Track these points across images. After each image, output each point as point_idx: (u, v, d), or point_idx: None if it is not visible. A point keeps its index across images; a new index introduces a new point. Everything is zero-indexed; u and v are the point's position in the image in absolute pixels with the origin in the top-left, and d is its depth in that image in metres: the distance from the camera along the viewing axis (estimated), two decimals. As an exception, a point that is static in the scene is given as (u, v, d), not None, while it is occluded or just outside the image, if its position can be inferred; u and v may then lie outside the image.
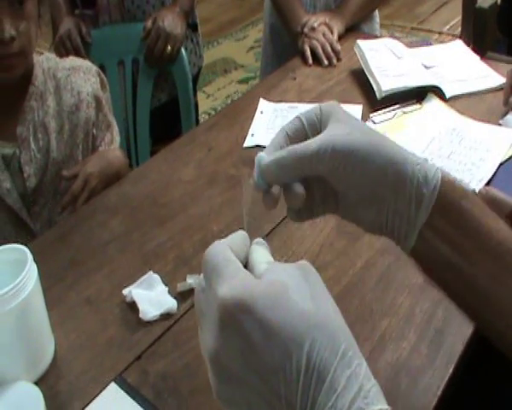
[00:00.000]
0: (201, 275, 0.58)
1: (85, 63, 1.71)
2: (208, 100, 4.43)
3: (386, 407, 0.48)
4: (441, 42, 2.25)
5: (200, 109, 2.66)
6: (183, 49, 2.25)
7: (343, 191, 0.72)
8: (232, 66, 4.98)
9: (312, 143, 0.68)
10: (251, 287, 0.52)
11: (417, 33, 5.03)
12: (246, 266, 0.59)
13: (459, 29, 4.60)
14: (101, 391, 0.96)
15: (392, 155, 0.68)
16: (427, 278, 0.75)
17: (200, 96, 2.64)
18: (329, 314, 0.52)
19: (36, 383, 0.95)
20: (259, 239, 0.63)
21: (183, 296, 1.13)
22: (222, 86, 4.68)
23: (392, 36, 2.15)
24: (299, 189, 0.70)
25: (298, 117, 0.74)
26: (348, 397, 0.47)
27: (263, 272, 0.56)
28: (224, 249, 0.57)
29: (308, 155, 0.67)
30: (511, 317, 0.68)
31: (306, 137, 0.71)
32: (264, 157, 0.69)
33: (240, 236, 0.61)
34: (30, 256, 0.97)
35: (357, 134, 0.68)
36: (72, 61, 1.71)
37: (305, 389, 0.49)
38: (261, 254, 0.60)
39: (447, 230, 0.69)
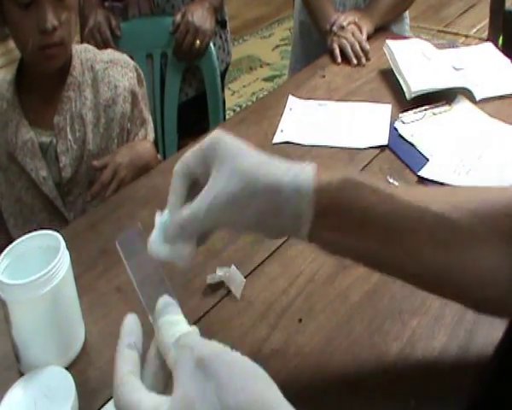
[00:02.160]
0: None
1: (123, 57, 1.72)
2: (233, 97, 4.44)
3: None
4: (467, 45, 2.23)
5: (226, 106, 2.67)
6: (211, 45, 2.25)
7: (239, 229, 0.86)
8: (258, 63, 4.98)
9: (198, 214, 0.77)
10: None
11: (443, 36, 5.00)
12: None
13: (486, 32, 4.58)
14: (131, 379, 0.97)
15: (267, 187, 0.74)
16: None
17: (226, 92, 2.65)
18: (237, 403, 0.54)
19: (67, 369, 0.96)
20: (162, 301, 0.71)
21: (212, 288, 1.13)
22: (247, 83, 4.68)
23: (419, 38, 2.14)
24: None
25: (182, 163, 0.83)
26: None
27: (174, 367, 0.60)
28: (129, 391, 0.60)
29: (198, 225, 0.79)
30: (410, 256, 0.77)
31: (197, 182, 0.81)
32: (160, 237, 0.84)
33: (129, 355, 0.64)
34: (63, 243, 0.97)
35: (233, 181, 0.75)
36: (110, 53, 1.72)
37: None
38: (169, 330, 0.66)
39: (331, 223, 0.76)
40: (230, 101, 4.27)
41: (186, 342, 0.62)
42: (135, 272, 0.76)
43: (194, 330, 0.68)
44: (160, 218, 0.85)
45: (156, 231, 0.83)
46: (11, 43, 1.56)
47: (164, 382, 0.63)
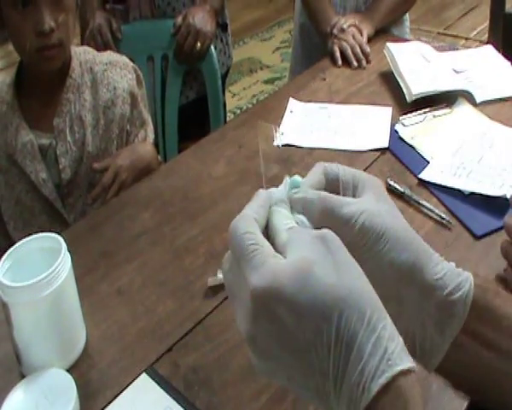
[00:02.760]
0: (228, 253, 0.60)
1: (122, 59, 1.72)
2: (234, 99, 4.44)
3: (409, 364, 0.50)
4: (468, 47, 2.24)
5: (226, 109, 2.67)
6: (212, 47, 2.25)
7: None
8: (258, 66, 4.98)
9: (345, 207, 0.64)
10: (279, 274, 0.53)
11: (444, 38, 5.00)
12: (267, 227, 0.61)
13: (486, 35, 4.58)
14: (132, 381, 0.97)
15: (420, 254, 0.63)
16: (459, 391, 0.68)
17: (226, 94, 2.65)
18: (353, 283, 0.53)
19: (68, 371, 0.96)
20: (277, 196, 0.63)
21: (214, 291, 1.13)
22: (247, 86, 4.68)
23: (420, 40, 2.14)
24: None
25: (337, 166, 0.70)
26: (373, 363, 0.49)
27: (285, 245, 0.57)
28: (249, 228, 0.58)
29: (336, 215, 0.64)
30: None
31: (336, 190, 0.68)
32: (295, 191, 0.66)
33: (260, 200, 0.62)
34: (64, 245, 0.98)
35: (390, 220, 0.64)
36: (109, 55, 1.72)
37: (335, 360, 0.51)
38: (281, 218, 0.61)
39: (486, 333, 0.63)
40: (231, 103, 4.27)
41: (301, 229, 0.60)
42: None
43: None
44: (291, 178, 0.69)
45: (281, 187, 0.67)
46: (10, 46, 1.57)
47: None
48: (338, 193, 0.68)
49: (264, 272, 0.54)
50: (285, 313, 0.52)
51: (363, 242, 0.63)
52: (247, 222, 0.59)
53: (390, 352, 0.50)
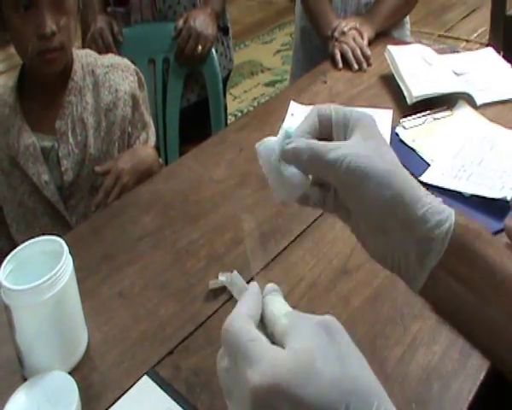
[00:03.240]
0: (221, 350, 0.58)
1: (124, 61, 1.73)
2: (235, 102, 4.44)
3: None
4: (468, 50, 2.24)
5: (227, 112, 2.68)
6: (213, 50, 2.25)
7: (352, 211, 0.72)
8: (259, 68, 4.99)
9: (331, 152, 0.68)
10: (280, 369, 0.51)
11: (444, 41, 5.00)
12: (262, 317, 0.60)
13: (487, 37, 4.58)
14: (133, 384, 0.97)
15: (404, 190, 0.66)
16: (438, 317, 0.73)
17: (227, 97, 2.65)
18: (358, 375, 0.52)
19: (70, 374, 0.96)
20: (270, 286, 0.63)
21: (215, 294, 1.14)
22: (248, 89, 4.68)
23: (420, 43, 2.15)
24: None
25: (330, 109, 0.73)
26: None
27: (285, 333, 0.56)
28: (244, 324, 0.56)
29: (323, 161, 0.68)
30: None
31: (330, 132, 0.73)
32: (287, 141, 0.70)
33: (253, 295, 0.61)
34: (66, 248, 0.98)
35: (375, 158, 0.67)
36: (111, 58, 1.73)
37: None
38: (277, 305, 0.60)
39: (461, 270, 0.67)
40: (232, 106, 4.27)
41: (300, 314, 0.59)
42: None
43: None
44: (286, 127, 0.73)
45: (278, 137, 0.72)
46: (12, 49, 1.58)
47: None
48: (331, 135, 0.73)
49: (263, 368, 0.52)
50: (289, 409, 0.50)
51: (348, 183, 0.67)
52: (241, 319, 0.57)
53: None
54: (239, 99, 4.52)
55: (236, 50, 5.05)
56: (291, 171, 0.71)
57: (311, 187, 0.75)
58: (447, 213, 0.66)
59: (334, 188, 0.74)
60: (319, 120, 0.73)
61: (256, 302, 0.60)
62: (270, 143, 0.73)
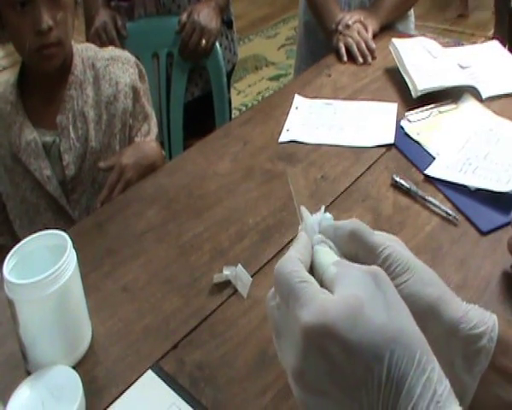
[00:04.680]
0: (272, 290, 0.61)
1: (124, 54, 1.73)
2: (239, 96, 4.44)
3: (458, 408, 0.51)
4: (473, 43, 2.23)
5: (232, 106, 2.67)
6: (217, 44, 2.25)
7: None
8: (263, 63, 4.99)
9: (374, 236, 0.65)
10: (330, 311, 0.53)
11: (449, 35, 4.99)
12: (311, 266, 0.61)
13: (492, 31, 4.58)
14: (137, 378, 0.97)
15: (445, 290, 0.64)
16: None
17: (231, 91, 2.65)
18: (404, 323, 0.53)
19: (73, 368, 0.96)
20: (319, 237, 0.64)
21: (219, 288, 1.13)
22: (253, 83, 4.68)
23: (425, 36, 2.14)
24: None
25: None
26: (423, 404, 0.50)
27: (334, 280, 0.57)
28: (295, 267, 0.58)
29: (365, 240, 0.65)
30: None
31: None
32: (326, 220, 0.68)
33: (303, 242, 0.63)
34: (69, 242, 0.98)
35: (415, 259, 0.65)
36: (111, 51, 1.73)
37: (385, 399, 0.51)
38: (325, 256, 0.62)
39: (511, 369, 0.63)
40: (236, 100, 4.26)
41: (348, 263, 0.60)
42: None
43: None
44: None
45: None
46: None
47: None
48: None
49: (314, 308, 0.54)
50: (336, 349, 0.52)
51: (388, 271, 0.62)
52: (292, 262, 0.59)
53: (439, 394, 0.50)
54: (243, 93, 4.51)
55: (241, 45, 5.05)
56: (327, 242, 0.66)
57: None
58: (489, 313, 0.65)
59: None
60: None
61: (306, 248, 0.62)
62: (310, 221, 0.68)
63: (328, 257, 0.61)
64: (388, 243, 0.65)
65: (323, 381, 0.53)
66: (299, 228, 0.67)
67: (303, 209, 0.70)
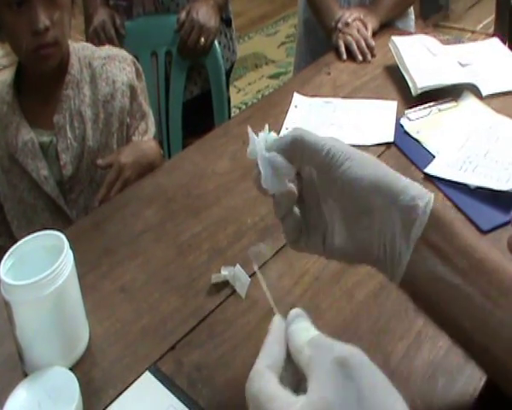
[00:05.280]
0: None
1: (121, 52, 1.72)
2: (239, 94, 4.44)
3: None
4: (474, 40, 2.22)
5: (231, 104, 2.67)
6: (216, 42, 2.25)
7: (332, 199, 0.77)
8: (263, 61, 4.98)
9: (314, 135, 0.76)
10: None
11: (450, 32, 4.98)
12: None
13: (492, 28, 4.56)
14: (135, 379, 0.96)
15: (386, 171, 0.72)
16: (417, 307, 0.75)
17: (231, 90, 2.65)
18: None
19: (71, 369, 0.95)
20: (294, 312, 0.65)
21: (217, 288, 1.13)
22: (253, 81, 4.68)
23: (425, 33, 2.13)
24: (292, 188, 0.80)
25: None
26: None
27: (308, 370, 0.57)
28: (263, 383, 0.58)
29: (306, 141, 0.74)
30: (507, 341, 0.68)
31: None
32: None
33: (274, 336, 0.63)
34: (66, 243, 0.97)
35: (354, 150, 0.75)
36: (108, 49, 1.72)
37: None
38: (300, 335, 0.61)
39: (442, 246, 0.70)
40: (236, 98, 4.26)
41: (322, 342, 0.60)
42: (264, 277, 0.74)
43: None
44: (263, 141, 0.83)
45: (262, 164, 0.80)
46: (10, 46, 1.58)
47: (295, 385, 0.61)
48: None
49: None
50: None
51: (332, 162, 0.73)
52: (260, 376, 0.58)
53: None
54: (243, 91, 4.51)
55: (240, 43, 5.04)
56: (271, 155, 0.78)
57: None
58: (426, 190, 0.72)
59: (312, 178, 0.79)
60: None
61: (277, 342, 0.62)
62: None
63: (303, 335, 0.61)
64: (328, 139, 0.74)
65: None
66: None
67: (249, 131, 0.82)
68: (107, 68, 1.65)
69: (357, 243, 0.75)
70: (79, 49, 1.65)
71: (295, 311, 0.65)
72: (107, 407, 0.93)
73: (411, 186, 0.71)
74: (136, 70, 1.73)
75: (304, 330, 0.62)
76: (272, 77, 4.72)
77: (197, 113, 2.35)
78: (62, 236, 0.98)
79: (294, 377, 0.61)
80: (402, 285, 0.73)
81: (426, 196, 0.70)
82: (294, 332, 0.62)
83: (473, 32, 5.05)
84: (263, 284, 0.72)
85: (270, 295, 0.71)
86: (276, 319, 0.65)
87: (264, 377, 0.58)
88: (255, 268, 0.76)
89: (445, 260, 0.69)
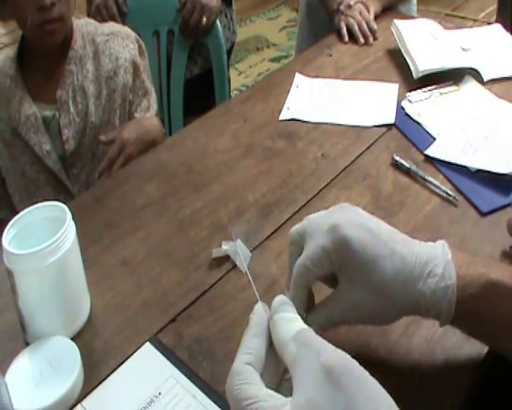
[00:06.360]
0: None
1: (124, 29, 1.72)
2: (240, 77, 4.43)
3: None
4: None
5: (232, 86, 2.67)
6: (218, 22, 2.24)
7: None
8: (264, 44, 4.97)
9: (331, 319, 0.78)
10: None
11: (452, 20, 4.96)
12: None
13: (494, 17, 4.55)
14: (135, 350, 0.97)
15: (405, 304, 0.76)
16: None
17: (232, 72, 2.65)
18: None
19: (72, 340, 0.96)
20: (278, 300, 0.64)
21: (218, 262, 1.13)
22: (254, 64, 4.67)
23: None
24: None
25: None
26: None
27: (293, 367, 0.56)
28: (243, 384, 0.56)
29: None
30: None
31: None
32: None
33: (255, 329, 0.63)
34: (69, 213, 0.97)
35: (369, 299, 0.75)
36: (111, 26, 1.72)
37: None
38: (284, 327, 0.60)
39: (470, 328, 0.80)
40: (237, 81, 4.25)
41: (308, 341, 0.58)
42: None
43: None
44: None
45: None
46: (15, 23, 1.58)
47: (278, 378, 0.61)
48: None
49: None
50: None
51: (369, 268, 0.74)
52: (240, 375, 0.58)
53: None
54: (244, 74, 4.50)
55: (242, 26, 5.03)
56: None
57: None
58: (450, 282, 0.75)
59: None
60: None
61: (257, 336, 0.62)
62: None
63: (287, 328, 0.60)
64: (365, 235, 0.75)
65: None
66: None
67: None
68: (110, 45, 1.65)
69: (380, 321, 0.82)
70: (83, 25, 1.65)
71: (280, 298, 0.64)
72: (107, 376, 0.93)
73: (430, 294, 0.74)
74: (139, 47, 1.73)
75: (289, 321, 0.61)
76: (273, 60, 4.71)
77: (197, 92, 2.35)
78: (65, 207, 0.99)
79: (277, 370, 0.60)
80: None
81: (449, 299, 0.74)
82: (279, 323, 0.61)
83: (475, 20, 5.03)
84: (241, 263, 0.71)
85: (252, 281, 0.70)
86: (259, 308, 0.64)
87: (246, 376, 0.57)
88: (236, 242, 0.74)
89: (476, 334, 0.81)
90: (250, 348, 0.61)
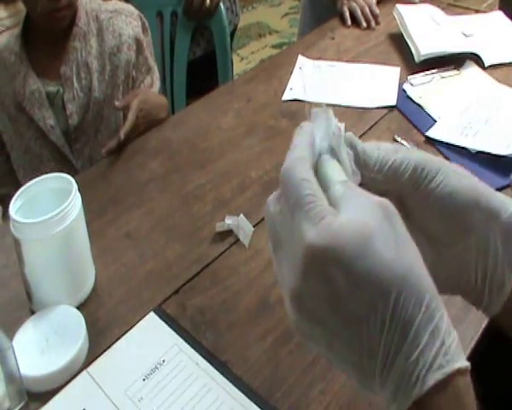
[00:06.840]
0: (275, 194, 0.54)
1: (128, 7, 1.73)
2: (242, 63, 4.44)
3: (466, 363, 0.47)
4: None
5: (234, 72, 2.67)
6: (221, 4, 2.24)
7: (418, 229, 0.61)
8: (266, 30, 4.98)
9: (396, 153, 0.61)
10: (339, 235, 0.47)
11: (454, 9, 4.95)
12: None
13: (496, 7, 4.54)
14: (140, 320, 0.98)
15: (477, 181, 0.59)
16: None
17: (234, 58, 2.64)
18: (414, 263, 0.48)
19: (77, 309, 0.98)
20: (327, 145, 0.56)
21: (221, 236, 1.15)
22: (256, 50, 4.68)
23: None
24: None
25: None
26: (430, 354, 0.46)
27: (340, 201, 0.51)
28: (307, 175, 0.51)
29: (387, 162, 0.60)
30: None
31: None
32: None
33: (309, 141, 0.55)
34: (75, 184, 0.99)
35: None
36: (114, 4, 1.73)
37: (387, 341, 0.47)
38: (333, 170, 0.55)
39: None
40: (239, 67, 4.26)
41: (357, 188, 0.52)
42: None
43: None
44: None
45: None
46: (20, 5, 1.58)
47: None
48: None
49: (322, 228, 0.48)
50: (340, 276, 0.47)
51: (421, 178, 0.59)
52: (304, 167, 0.52)
53: (447, 345, 0.46)
54: (246, 60, 4.51)
55: (244, 12, 5.03)
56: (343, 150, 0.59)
57: None
58: None
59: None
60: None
61: (312, 147, 0.55)
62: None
63: (335, 172, 0.54)
64: (409, 155, 0.60)
65: (322, 308, 0.49)
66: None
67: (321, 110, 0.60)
68: (113, 22, 1.66)
69: (449, 271, 0.62)
70: (87, 2, 1.66)
71: (330, 145, 0.57)
72: (112, 344, 0.95)
73: (508, 200, 0.59)
74: (143, 24, 1.73)
75: (336, 168, 0.55)
76: (275, 46, 4.71)
77: (199, 74, 2.35)
78: (71, 178, 1.00)
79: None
80: (499, 316, 0.62)
81: None
82: (328, 162, 0.56)
83: (477, 10, 5.02)
84: None
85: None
86: (308, 130, 0.57)
87: (308, 171, 0.52)
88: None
89: None
90: (308, 152, 0.54)
